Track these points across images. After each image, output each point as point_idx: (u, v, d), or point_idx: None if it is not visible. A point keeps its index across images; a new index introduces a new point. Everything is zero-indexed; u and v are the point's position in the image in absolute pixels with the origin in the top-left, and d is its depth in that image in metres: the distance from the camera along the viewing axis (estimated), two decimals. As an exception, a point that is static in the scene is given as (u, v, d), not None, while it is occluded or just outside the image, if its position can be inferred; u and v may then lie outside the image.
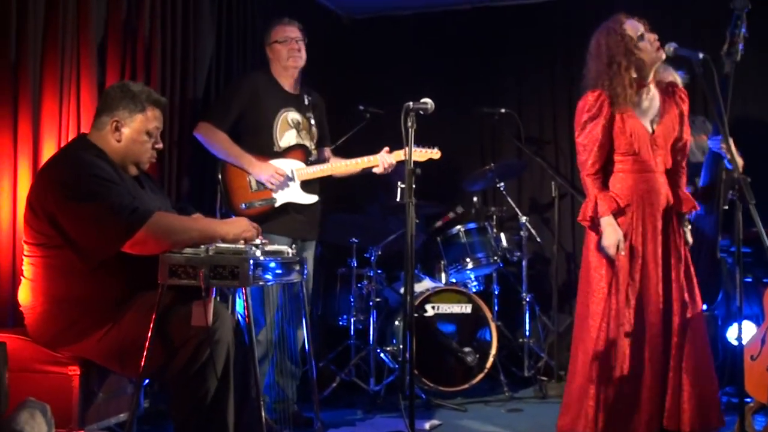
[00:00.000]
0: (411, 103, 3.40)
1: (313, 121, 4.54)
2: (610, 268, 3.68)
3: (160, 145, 3.38)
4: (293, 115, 4.48)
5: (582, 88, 3.80)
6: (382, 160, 4.43)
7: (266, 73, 4.54)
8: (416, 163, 4.46)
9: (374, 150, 4.51)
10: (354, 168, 4.51)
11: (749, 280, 4.72)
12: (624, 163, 3.72)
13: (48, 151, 3.60)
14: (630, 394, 3.62)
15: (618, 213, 3.67)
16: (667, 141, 3.75)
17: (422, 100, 3.41)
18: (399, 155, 4.44)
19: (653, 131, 3.72)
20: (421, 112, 3.42)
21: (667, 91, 3.83)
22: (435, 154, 4.42)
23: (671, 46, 3.59)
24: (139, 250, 3.00)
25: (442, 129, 6.20)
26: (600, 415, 3.60)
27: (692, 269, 3.77)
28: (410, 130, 3.39)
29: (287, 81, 4.51)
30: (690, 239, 3.84)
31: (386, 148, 4.44)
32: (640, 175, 3.70)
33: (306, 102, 4.54)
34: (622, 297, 3.64)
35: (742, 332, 3.36)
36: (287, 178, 4.34)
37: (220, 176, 4.38)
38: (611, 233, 3.63)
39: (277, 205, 4.33)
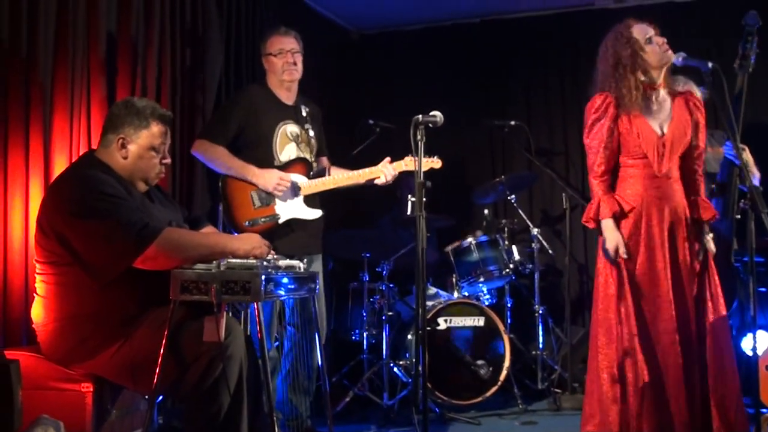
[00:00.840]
0: (420, 117, 3.39)
1: (312, 133, 4.47)
2: (618, 274, 3.68)
3: (167, 161, 3.38)
4: (292, 128, 4.41)
5: (591, 91, 3.82)
6: (384, 171, 4.39)
7: (262, 86, 4.46)
8: (408, 176, 4.47)
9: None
10: (356, 180, 4.41)
11: (763, 290, 4.69)
12: (635, 168, 3.72)
13: (59, 168, 3.61)
14: (654, 400, 3.60)
15: (621, 216, 3.69)
16: (676, 145, 3.74)
17: (431, 113, 3.40)
18: (400, 165, 4.39)
19: (662, 134, 3.72)
20: (431, 126, 3.41)
21: (681, 98, 3.83)
22: (435, 163, 4.36)
23: (680, 56, 3.59)
24: (150, 266, 3.01)
25: (452, 142, 6.23)
26: (627, 422, 3.60)
27: (714, 276, 3.75)
28: (420, 143, 3.38)
29: (284, 93, 4.43)
30: (713, 247, 3.81)
31: (387, 159, 4.41)
32: (651, 181, 3.70)
33: (303, 113, 4.46)
34: (630, 304, 3.65)
35: (757, 342, 3.35)
36: (291, 193, 4.30)
37: (221, 193, 4.27)
38: (611, 237, 3.67)
39: (281, 221, 4.26)
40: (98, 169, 3.17)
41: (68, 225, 3.03)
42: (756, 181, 4.48)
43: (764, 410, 4.09)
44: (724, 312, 3.72)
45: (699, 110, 3.85)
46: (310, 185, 4.33)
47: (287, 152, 4.37)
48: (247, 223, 4.18)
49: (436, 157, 4.34)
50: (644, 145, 3.68)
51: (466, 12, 6.55)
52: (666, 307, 3.63)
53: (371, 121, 5.60)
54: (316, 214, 4.36)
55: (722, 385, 3.63)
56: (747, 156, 4.22)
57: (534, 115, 6.52)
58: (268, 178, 4.22)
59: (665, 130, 3.73)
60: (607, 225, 3.68)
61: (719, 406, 3.61)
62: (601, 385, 3.66)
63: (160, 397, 3.44)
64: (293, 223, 4.30)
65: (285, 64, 4.36)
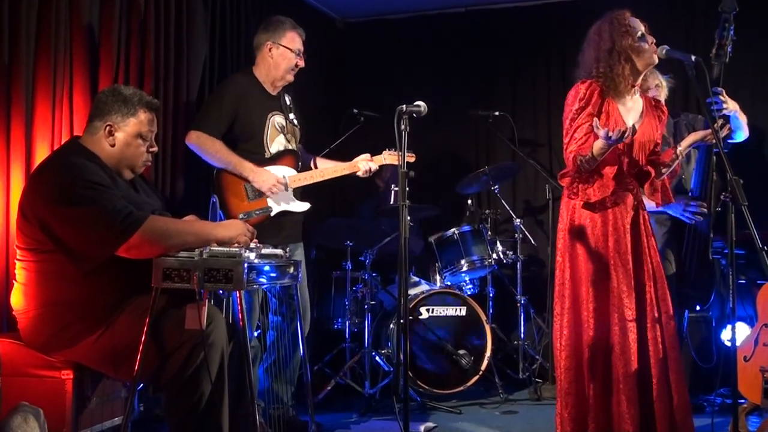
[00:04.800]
0: (404, 106, 3.38)
1: (296, 123, 4.48)
2: (574, 266, 3.69)
3: (154, 149, 3.37)
4: (278, 119, 4.40)
5: (577, 74, 3.77)
6: (362, 166, 4.45)
7: (247, 75, 4.43)
8: (392, 165, 4.51)
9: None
10: (341, 172, 4.47)
11: (743, 281, 4.72)
12: (608, 164, 3.64)
13: (40, 155, 3.59)
14: (607, 390, 3.62)
15: (592, 208, 3.66)
16: (642, 146, 3.71)
17: (415, 103, 3.39)
18: (380, 159, 4.49)
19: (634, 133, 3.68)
20: (415, 115, 3.41)
21: (651, 102, 3.82)
22: (410, 157, 4.36)
23: (663, 49, 3.59)
24: (134, 254, 2.99)
25: (436, 132, 6.25)
26: (572, 416, 3.64)
27: (660, 269, 3.74)
28: (404, 133, 3.38)
29: (270, 84, 4.42)
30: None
31: (367, 155, 4.48)
32: (620, 177, 3.65)
33: (288, 102, 4.47)
34: (583, 292, 3.65)
35: (736, 334, 3.37)
36: (282, 186, 4.30)
37: (215, 185, 4.26)
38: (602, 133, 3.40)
39: (273, 214, 4.25)
40: (83, 156, 3.15)
41: (52, 212, 3.01)
42: (744, 135, 4.41)
43: (742, 401, 4.13)
44: (671, 312, 3.69)
45: (664, 115, 3.84)
46: (299, 179, 4.34)
47: (276, 144, 4.38)
48: (241, 215, 4.15)
49: (410, 152, 4.33)
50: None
51: (451, 1, 6.54)
52: (627, 296, 3.61)
53: (355, 110, 5.60)
54: (305, 206, 4.39)
55: (665, 388, 3.61)
56: (734, 106, 4.08)
57: (518, 106, 6.52)
58: (265, 180, 4.23)
59: (636, 128, 3.70)
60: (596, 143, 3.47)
61: (662, 407, 3.59)
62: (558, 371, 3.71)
63: (141, 385, 3.43)
64: (276, 217, 4.30)
65: (296, 66, 4.39)
